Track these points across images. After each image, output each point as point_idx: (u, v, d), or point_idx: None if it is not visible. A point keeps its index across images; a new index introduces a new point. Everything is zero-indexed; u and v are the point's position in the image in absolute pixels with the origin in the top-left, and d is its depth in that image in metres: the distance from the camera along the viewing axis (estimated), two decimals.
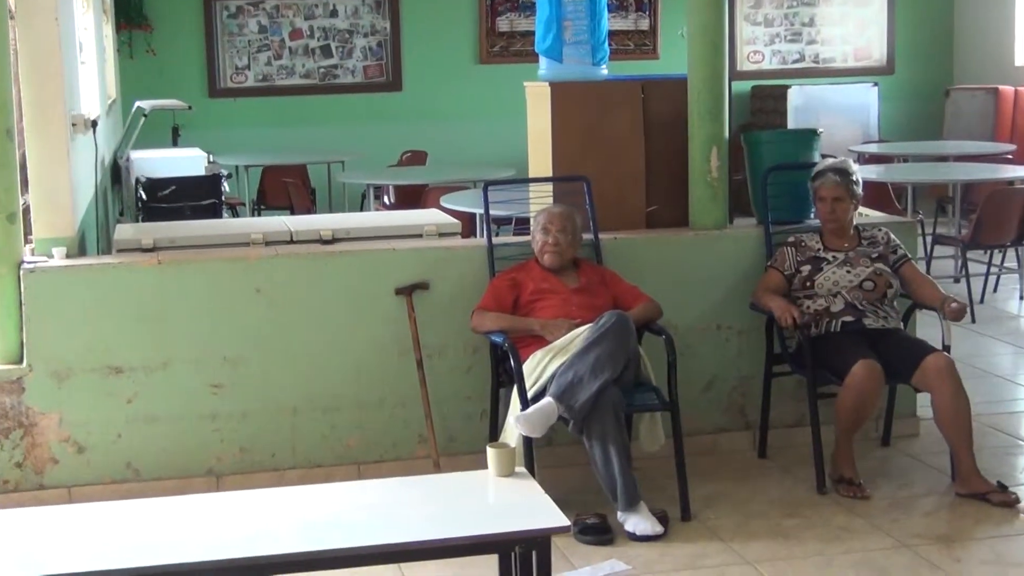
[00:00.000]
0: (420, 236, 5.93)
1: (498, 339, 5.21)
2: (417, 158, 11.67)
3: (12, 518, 4.21)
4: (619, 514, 4.90)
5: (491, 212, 5.75)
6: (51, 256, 5.43)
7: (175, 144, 10.86)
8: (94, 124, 6.52)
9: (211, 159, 8.98)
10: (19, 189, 5.39)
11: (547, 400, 4.86)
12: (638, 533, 4.83)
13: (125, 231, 6.13)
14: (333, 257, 5.59)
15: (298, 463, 5.54)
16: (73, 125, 5.82)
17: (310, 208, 10.63)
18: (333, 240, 5.80)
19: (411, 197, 9.72)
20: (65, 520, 4.13)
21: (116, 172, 9.60)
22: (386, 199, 10.13)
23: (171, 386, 5.42)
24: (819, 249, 5.63)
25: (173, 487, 5.32)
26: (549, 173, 5.94)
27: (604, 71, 6.15)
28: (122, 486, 5.36)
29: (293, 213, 10.17)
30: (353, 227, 6.06)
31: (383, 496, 4.32)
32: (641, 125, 6.00)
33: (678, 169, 6.01)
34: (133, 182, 8.35)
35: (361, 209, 10.74)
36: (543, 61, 6.12)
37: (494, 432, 5.40)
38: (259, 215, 10.90)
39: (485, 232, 5.68)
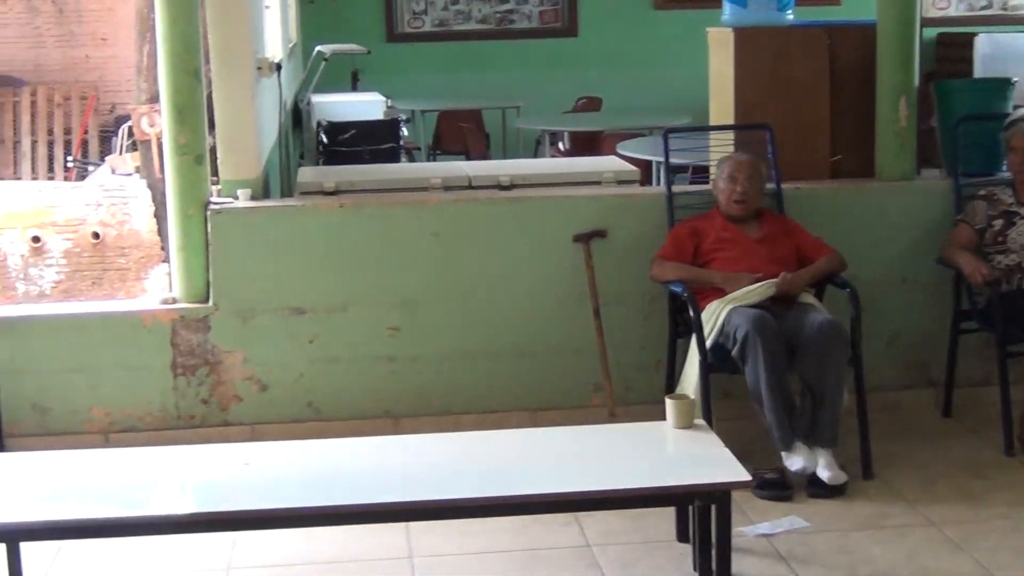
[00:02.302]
0: (598, 183, 5.87)
1: (678, 289, 5.14)
2: (592, 104, 11.59)
3: (198, 453, 4.33)
4: (784, 456, 4.82)
5: (669, 160, 5.67)
6: (236, 198, 5.52)
7: (354, 88, 10.95)
8: (279, 67, 6.59)
9: (389, 104, 9.03)
10: (206, 131, 5.49)
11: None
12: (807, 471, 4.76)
13: (307, 174, 6.20)
14: (511, 203, 5.59)
15: (473, 408, 5.56)
16: (258, 68, 5.90)
17: (485, 153, 10.63)
18: (511, 186, 5.78)
19: (586, 143, 9.66)
20: (247, 457, 4.21)
21: (296, 115, 9.73)
22: (561, 145, 10.08)
23: (350, 328, 5.48)
24: (1012, 203, 5.43)
25: (352, 427, 5.38)
26: (730, 120, 5.83)
27: (789, 16, 6.00)
28: (302, 425, 5.45)
29: (468, 158, 10.19)
30: (531, 173, 6.03)
31: (560, 444, 4.31)
32: (827, 72, 5.84)
33: (863, 118, 5.84)
34: (314, 125, 8.45)
35: (535, 155, 10.71)
36: (726, 6, 5.99)
37: (670, 383, 5.35)
38: (434, 159, 10.94)
39: (664, 180, 5.59)
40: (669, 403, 4.24)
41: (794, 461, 4.79)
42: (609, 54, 12.45)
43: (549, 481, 3.96)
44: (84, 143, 11.36)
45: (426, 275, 5.50)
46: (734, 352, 4.87)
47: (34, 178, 11.14)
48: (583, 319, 5.51)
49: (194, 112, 5.37)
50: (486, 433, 4.60)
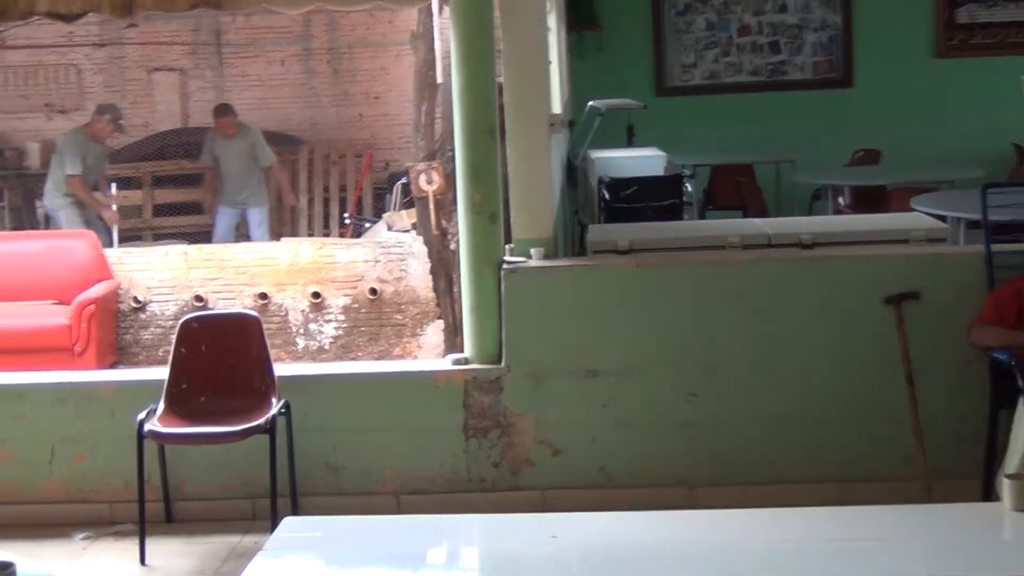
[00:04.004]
0: (906, 241, 5.56)
1: (1002, 356, 4.78)
2: (870, 157, 11.17)
3: (501, 523, 4.20)
4: None
5: (970, 216, 5.33)
6: (530, 256, 5.40)
7: (630, 144, 10.82)
8: (571, 124, 6.50)
9: (669, 159, 8.84)
10: (500, 190, 5.40)
11: None
12: None
13: (598, 232, 6.07)
14: (814, 262, 5.35)
15: (774, 478, 5.29)
16: (551, 125, 5.80)
17: (763, 209, 10.34)
18: (813, 244, 5.52)
19: (867, 198, 9.31)
20: (553, 529, 4.05)
21: (568, 171, 9.63)
22: (841, 200, 9.73)
23: (646, 392, 5.30)
24: None
25: (645, 495, 5.20)
26: None
27: None
28: (594, 491, 5.29)
29: (745, 214, 9.93)
30: (833, 231, 5.77)
31: (877, 524, 4.00)
32: None
33: None
34: (593, 182, 8.32)
35: (810, 210, 10.38)
36: None
37: (990, 457, 4.98)
38: (705, 216, 10.71)
39: (984, 239, 5.23)
40: (1007, 483, 3.89)
41: None
42: (887, 105, 12.00)
43: (870, 567, 3.67)
44: (359, 200, 11.57)
45: (726, 338, 5.28)
46: None
47: (310, 234, 11.40)
48: (893, 386, 5.20)
49: (489, 171, 5.30)
50: (788, 511, 4.30)
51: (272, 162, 10.71)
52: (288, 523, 4.12)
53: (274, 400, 5.14)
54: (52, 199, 9.96)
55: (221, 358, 5.30)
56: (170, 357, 5.29)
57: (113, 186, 10.24)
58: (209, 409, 5.17)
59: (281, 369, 5.36)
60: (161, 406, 5.14)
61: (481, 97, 5.24)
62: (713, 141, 11.79)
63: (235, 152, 10.54)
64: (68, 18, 5.61)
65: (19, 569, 3.07)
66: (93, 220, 9.85)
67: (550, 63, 7.30)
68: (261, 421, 4.99)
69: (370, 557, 3.83)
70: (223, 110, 10.58)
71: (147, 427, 4.99)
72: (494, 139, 5.31)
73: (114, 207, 10.12)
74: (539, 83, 5.50)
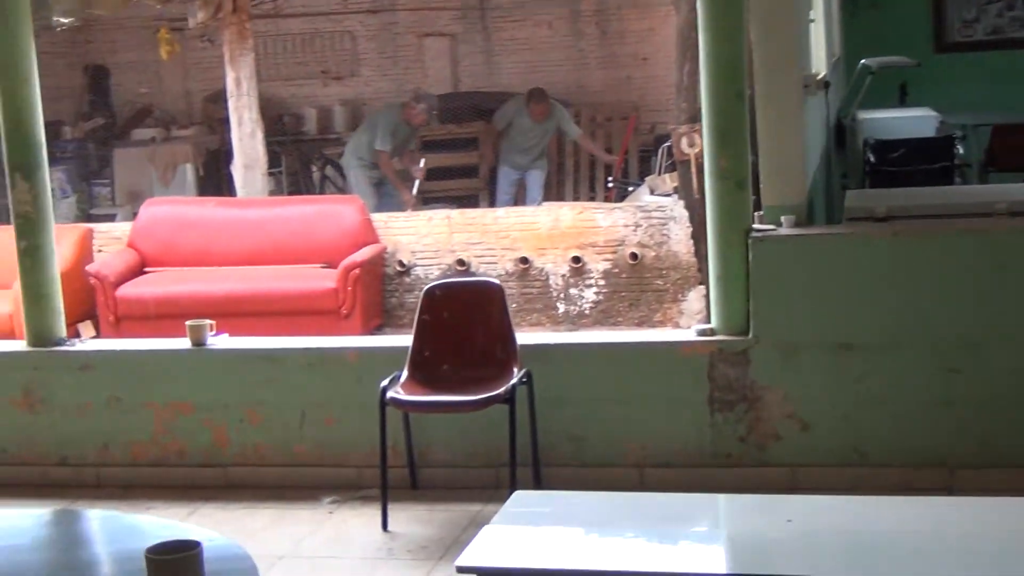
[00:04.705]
0: None
1: None
2: None
3: (737, 504, 4.04)
4: None
5: None
6: (779, 224, 5.19)
7: (902, 103, 10.37)
8: (826, 85, 6.23)
9: (941, 119, 8.40)
10: (749, 155, 5.20)
11: None
12: None
13: (856, 198, 5.80)
14: None
15: None
16: (805, 86, 5.55)
17: None
18: None
19: None
20: (789, 512, 3.87)
21: (838, 133, 9.28)
22: None
23: (903, 367, 5.03)
24: None
25: (901, 476, 4.96)
26: None
27: None
28: (847, 470, 5.06)
29: None
30: None
31: None
32: None
33: None
34: (860, 144, 7.99)
35: None
36: None
37: None
38: (986, 179, 10.16)
39: None
40: None
41: None
42: None
43: None
44: (624, 163, 11.45)
45: (991, 311, 4.96)
46: None
47: (576, 198, 11.35)
48: None
49: (737, 135, 5.10)
50: None
51: (579, 135, 10.79)
52: (518, 497, 4.07)
53: (515, 369, 5.08)
54: (348, 159, 10.37)
55: (463, 326, 5.28)
56: (414, 325, 5.30)
57: (422, 162, 10.41)
58: (450, 377, 5.16)
59: (523, 338, 5.31)
60: (404, 373, 5.16)
61: (727, 58, 5.04)
62: (995, 99, 11.16)
63: (538, 130, 10.62)
64: None
65: (210, 544, 3.07)
66: (380, 184, 10.17)
67: (811, 21, 7.02)
68: (501, 391, 4.95)
69: (596, 534, 3.75)
70: (539, 97, 10.53)
71: (389, 394, 5.01)
72: (742, 102, 5.10)
73: (415, 191, 10.29)
74: (792, 43, 5.26)
